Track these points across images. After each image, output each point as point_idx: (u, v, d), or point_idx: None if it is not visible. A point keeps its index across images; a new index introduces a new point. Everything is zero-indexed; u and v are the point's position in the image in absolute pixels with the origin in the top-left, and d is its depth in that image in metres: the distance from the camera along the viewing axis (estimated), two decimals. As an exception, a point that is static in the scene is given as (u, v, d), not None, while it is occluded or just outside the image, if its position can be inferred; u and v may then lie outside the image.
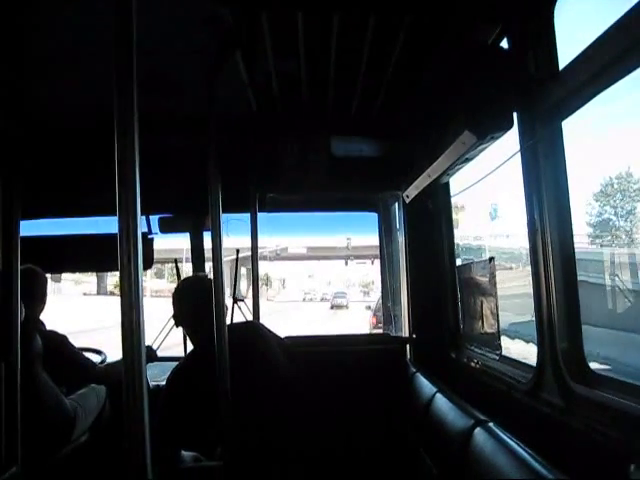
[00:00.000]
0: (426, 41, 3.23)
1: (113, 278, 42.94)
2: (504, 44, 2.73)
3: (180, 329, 3.57)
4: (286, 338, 4.01)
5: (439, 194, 4.24)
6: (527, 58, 2.46)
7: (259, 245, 4.59)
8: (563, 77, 2.30)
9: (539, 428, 2.58)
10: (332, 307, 49.60)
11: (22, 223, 4.37)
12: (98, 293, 48.50)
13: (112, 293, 44.71)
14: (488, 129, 2.55)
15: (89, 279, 50.42)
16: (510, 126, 2.57)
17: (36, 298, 4.46)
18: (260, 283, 4.71)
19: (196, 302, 3.37)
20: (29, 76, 3.90)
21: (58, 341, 4.44)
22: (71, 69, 3.98)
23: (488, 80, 2.57)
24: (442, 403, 3.00)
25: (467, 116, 2.62)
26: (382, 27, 2.89)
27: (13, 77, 3.87)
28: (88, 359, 4.65)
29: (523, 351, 6.30)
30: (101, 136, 4.95)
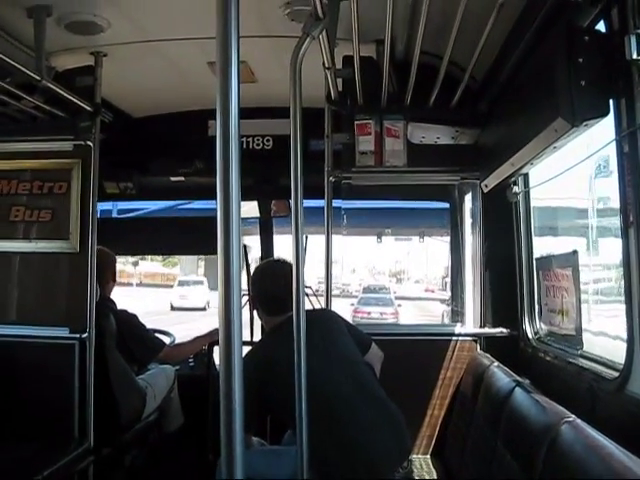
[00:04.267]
0: (515, 24, 3.15)
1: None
2: (600, 27, 2.62)
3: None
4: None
5: (518, 184, 4.14)
6: (627, 41, 2.35)
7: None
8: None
9: (625, 428, 2.48)
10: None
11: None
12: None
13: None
14: (583, 116, 2.45)
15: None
16: (606, 113, 2.46)
17: (108, 278, 4.57)
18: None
19: (274, 285, 3.37)
20: (110, 62, 3.97)
21: (129, 320, 4.54)
22: (155, 57, 4.04)
23: (584, 65, 2.47)
24: (523, 398, 2.91)
25: (561, 103, 2.52)
26: (471, 10, 2.81)
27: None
28: (158, 338, 4.74)
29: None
30: (183, 122, 5.06)
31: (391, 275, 48.21)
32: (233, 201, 1.20)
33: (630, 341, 2.50)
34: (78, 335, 3.77)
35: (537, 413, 2.64)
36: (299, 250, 2.49)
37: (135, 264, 42.61)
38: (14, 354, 3.76)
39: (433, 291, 37.23)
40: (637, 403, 2.43)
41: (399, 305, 26.47)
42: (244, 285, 4.32)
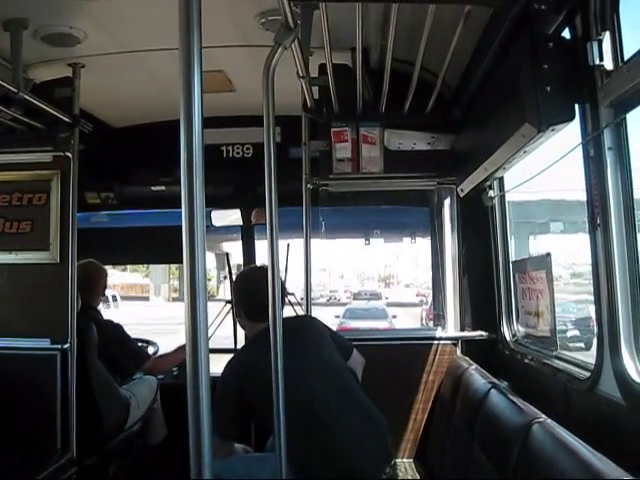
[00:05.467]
0: (484, 33, 3.19)
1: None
2: (565, 34, 2.67)
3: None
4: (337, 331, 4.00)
5: (494, 188, 4.19)
6: (590, 48, 2.40)
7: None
8: (629, 67, 2.23)
9: (597, 427, 2.53)
10: None
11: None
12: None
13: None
14: (549, 121, 2.50)
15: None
16: (572, 118, 2.51)
17: (98, 290, 4.60)
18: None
19: (257, 292, 3.36)
20: (89, 73, 3.99)
21: (114, 330, 4.54)
22: (133, 67, 4.06)
23: (548, 71, 2.52)
24: (498, 400, 2.95)
25: (527, 108, 2.57)
26: (439, 18, 2.86)
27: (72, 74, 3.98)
28: (143, 350, 4.74)
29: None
30: (163, 131, 5.08)
31: (380, 280, 46.86)
32: (197, 210, 1.23)
33: (600, 342, 2.55)
34: (59, 346, 3.76)
35: (510, 414, 2.68)
36: (274, 258, 2.52)
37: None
38: None
39: (425, 295, 33.76)
40: (607, 402, 2.47)
41: (394, 316, 22.05)
42: (226, 293, 4.33)
